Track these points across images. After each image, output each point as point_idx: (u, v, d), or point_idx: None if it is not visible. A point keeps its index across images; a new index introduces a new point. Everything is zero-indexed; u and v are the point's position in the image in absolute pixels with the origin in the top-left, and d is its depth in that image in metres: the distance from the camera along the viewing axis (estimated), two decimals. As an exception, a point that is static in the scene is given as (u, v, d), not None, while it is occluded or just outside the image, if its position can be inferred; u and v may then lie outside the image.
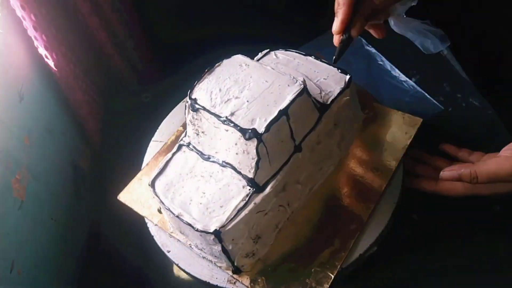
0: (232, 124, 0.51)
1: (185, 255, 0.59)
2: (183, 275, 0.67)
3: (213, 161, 0.55)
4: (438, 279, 0.62)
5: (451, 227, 0.65)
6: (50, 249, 0.65)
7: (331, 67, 0.61)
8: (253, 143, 0.50)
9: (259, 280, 0.55)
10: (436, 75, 0.86)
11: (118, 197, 0.66)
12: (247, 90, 0.54)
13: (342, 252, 0.55)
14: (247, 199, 0.51)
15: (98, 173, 0.83)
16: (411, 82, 0.86)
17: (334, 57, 0.58)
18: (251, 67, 0.56)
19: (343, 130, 0.62)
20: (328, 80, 0.60)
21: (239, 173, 0.53)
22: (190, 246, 0.58)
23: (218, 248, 0.52)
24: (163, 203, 0.53)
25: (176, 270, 0.70)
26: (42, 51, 0.67)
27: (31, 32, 0.64)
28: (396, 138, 0.65)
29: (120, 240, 0.73)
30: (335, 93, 0.58)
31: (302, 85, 0.53)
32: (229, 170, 0.54)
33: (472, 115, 0.79)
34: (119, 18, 0.87)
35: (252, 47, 0.65)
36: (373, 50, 0.92)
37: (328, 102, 0.57)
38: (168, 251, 0.60)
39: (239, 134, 0.50)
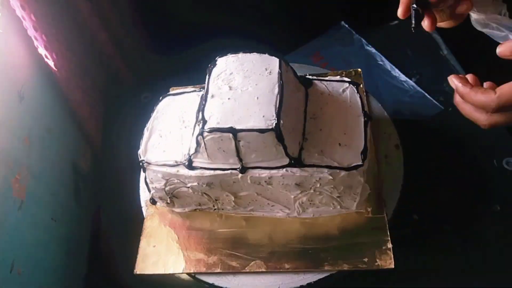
0: (202, 104, 0.53)
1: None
2: (183, 275, 0.67)
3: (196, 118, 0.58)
4: (438, 279, 0.62)
5: (451, 227, 0.65)
6: (50, 249, 0.65)
7: (363, 142, 0.53)
8: (197, 130, 0.52)
9: (156, 220, 0.63)
10: (436, 75, 0.86)
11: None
12: (240, 90, 0.53)
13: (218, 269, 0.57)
14: (176, 164, 0.55)
15: (98, 173, 0.83)
16: (411, 82, 0.86)
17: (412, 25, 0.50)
18: (268, 78, 0.54)
19: (313, 198, 0.57)
20: (342, 148, 0.53)
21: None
22: None
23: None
24: (152, 113, 0.62)
25: (176, 270, 0.70)
26: (42, 51, 0.67)
27: (31, 32, 0.64)
28: (359, 249, 0.56)
29: (120, 239, 0.73)
30: (322, 164, 0.52)
31: (269, 128, 0.49)
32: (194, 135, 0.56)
33: (472, 115, 0.79)
34: (119, 18, 0.87)
35: (253, 46, 0.64)
36: (373, 50, 0.92)
37: (305, 163, 0.52)
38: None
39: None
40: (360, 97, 0.58)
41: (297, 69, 0.68)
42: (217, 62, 0.57)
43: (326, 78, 0.61)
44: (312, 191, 0.55)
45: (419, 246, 0.65)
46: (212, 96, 0.53)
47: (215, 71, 0.56)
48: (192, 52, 0.91)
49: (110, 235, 0.76)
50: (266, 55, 0.56)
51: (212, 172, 0.54)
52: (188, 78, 0.74)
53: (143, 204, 0.66)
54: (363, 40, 0.94)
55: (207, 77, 0.56)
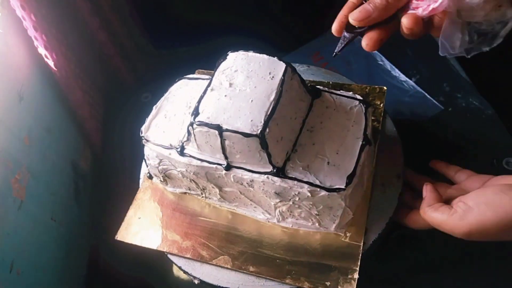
0: (200, 94, 0.53)
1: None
2: (183, 275, 0.67)
3: None
4: (438, 278, 0.62)
5: (451, 227, 0.65)
6: (50, 249, 0.65)
7: (353, 166, 0.51)
8: (189, 121, 0.53)
9: (148, 194, 0.66)
10: (436, 75, 0.86)
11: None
12: (239, 90, 0.53)
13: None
14: (169, 147, 0.57)
15: (98, 173, 0.83)
16: (411, 82, 0.86)
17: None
18: (269, 82, 0.52)
19: (292, 210, 0.56)
20: (329, 167, 0.52)
21: None
22: None
23: None
24: (165, 94, 0.64)
25: (176, 270, 0.70)
26: (42, 51, 0.67)
27: (31, 32, 0.64)
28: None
29: (120, 240, 0.73)
30: (303, 179, 0.51)
31: (254, 133, 0.49)
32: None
33: (472, 115, 0.79)
34: (119, 18, 0.87)
35: (253, 46, 0.64)
36: (373, 50, 0.92)
37: (287, 174, 0.52)
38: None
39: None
40: (366, 119, 0.55)
41: (304, 71, 0.66)
42: (227, 57, 0.56)
43: (338, 92, 0.58)
44: (291, 203, 0.54)
45: (419, 246, 0.65)
46: (212, 90, 0.53)
47: (223, 65, 0.55)
48: (193, 52, 0.91)
49: (110, 234, 0.75)
50: (275, 58, 0.54)
51: (199, 162, 0.55)
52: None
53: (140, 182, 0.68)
54: (363, 40, 0.94)
55: (215, 69, 0.56)
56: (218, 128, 0.50)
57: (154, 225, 0.62)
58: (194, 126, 0.52)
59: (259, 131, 0.49)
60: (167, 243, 0.60)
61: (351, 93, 0.58)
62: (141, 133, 0.60)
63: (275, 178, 0.52)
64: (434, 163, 0.63)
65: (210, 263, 0.58)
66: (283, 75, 0.52)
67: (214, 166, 0.54)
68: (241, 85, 0.53)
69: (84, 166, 0.79)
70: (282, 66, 0.53)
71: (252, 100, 0.51)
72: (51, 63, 0.69)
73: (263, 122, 0.49)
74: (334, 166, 0.52)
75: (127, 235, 0.63)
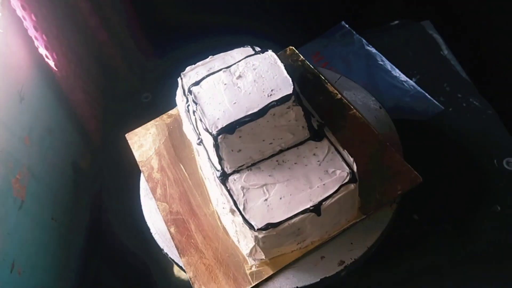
0: (215, 70, 0.56)
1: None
2: (183, 275, 0.67)
3: None
4: (438, 279, 0.62)
5: (451, 227, 0.65)
6: (50, 249, 0.65)
7: (282, 219, 0.48)
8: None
9: (170, 120, 0.69)
10: (436, 75, 0.86)
11: None
12: (237, 87, 0.53)
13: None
14: (184, 94, 0.58)
15: (98, 173, 0.83)
16: (411, 82, 0.86)
17: None
18: (262, 98, 0.52)
19: (224, 212, 0.56)
20: (264, 203, 0.49)
21: None
22: None
23: None
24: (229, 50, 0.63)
25: (176, 270, 0.70)
26: (42, 51, 0.67)
27: (32, 32, 0.64)
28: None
29: (120, 240, 0.73)
30: (233, 196, 0.51)
31: (210, 131, 0.50)
32: None
33: (472, 115, 0.79)
34: (119, 18, 0.87)
35: (252, 45, 0.64)
36: (373, 50, 0.92)
37: (226, 183, 0.52)
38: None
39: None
40: (336, 191, 0.48)
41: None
42: (265, 52, 0.56)
43: (340, 150, 0.52)
44: (222, 207, 0.53)
45: (419, 246, 0.65)
46: (224, 71, 0.55)
47: (254, 57, 0.56)
48: (193, 51, 0.91)
49: (110, 235, 0.76)
50: (290, 80, 0.51)
51: (188, 124, 0.58)
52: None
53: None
54: (363, 40, 0.94)
55: (247, 55, 0.57)
56: (195, 104, 0.52)
57: (151, 145, 0.66)
58: (187, 93, 0.54)
59: (214, 132, 0.49)
60: (147, 165, 0.64)
61: (352, 159, 0.51)
62: (185, 70, 0.60)
63: (217, 179, 0.52)
64: None
65: (156, 200, 0.60)
66: (279, 100, 0.50)
67: (194, 136, 0.57)
68: (243, 83, 0.53)
69: (84, 166, 0.79)
70: (288, 91, 0.50)
71: (235, 103, 0.51)
72: (51, 63, 0.69)
73: (223, 127, 0.49)
74: (268, 206, 0.49)
75: (132, 139, 0.68)
